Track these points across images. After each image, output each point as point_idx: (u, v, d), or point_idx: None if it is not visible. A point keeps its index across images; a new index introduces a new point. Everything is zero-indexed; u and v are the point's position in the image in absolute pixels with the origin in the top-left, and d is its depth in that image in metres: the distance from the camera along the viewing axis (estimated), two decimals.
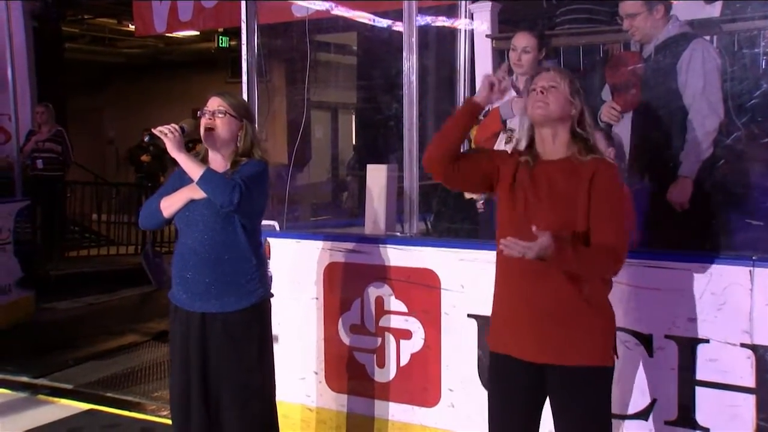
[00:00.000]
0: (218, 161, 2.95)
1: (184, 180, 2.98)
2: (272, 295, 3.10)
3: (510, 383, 2.54)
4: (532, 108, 2.50)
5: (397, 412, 3.57)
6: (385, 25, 5.71)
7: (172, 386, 3.05)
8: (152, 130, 2.84)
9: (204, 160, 2.99)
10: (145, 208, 3.05)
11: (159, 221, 3.02)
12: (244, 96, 4.11)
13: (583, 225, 2.41)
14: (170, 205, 2.95)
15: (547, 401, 2.54)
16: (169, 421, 4.30)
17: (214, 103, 2.93)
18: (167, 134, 2.82)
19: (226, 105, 2.93)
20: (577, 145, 2.49)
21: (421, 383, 3.50)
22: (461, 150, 2.63)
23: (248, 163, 2.94)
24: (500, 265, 2.57)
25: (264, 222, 3.84)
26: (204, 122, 2.92)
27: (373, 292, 3.61)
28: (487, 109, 4.20)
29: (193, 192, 2.91)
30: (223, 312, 2.92)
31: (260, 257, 3.05)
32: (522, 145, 2.58)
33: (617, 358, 2.57)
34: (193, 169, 2.85)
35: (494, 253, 2.62)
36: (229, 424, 2.94)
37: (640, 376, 3.00)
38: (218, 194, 2.81)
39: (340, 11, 5.60)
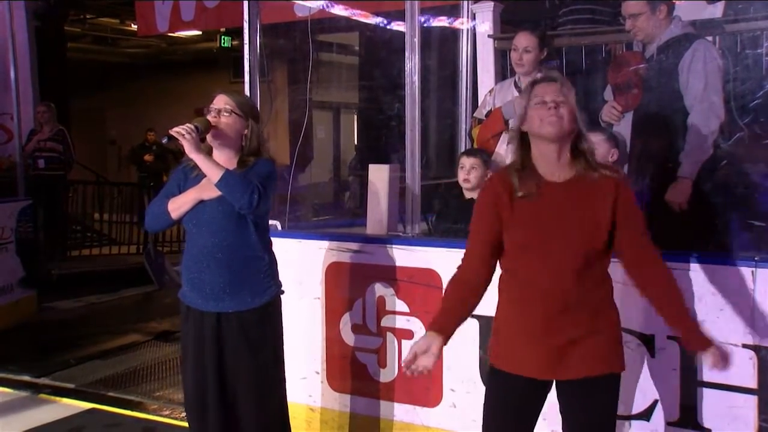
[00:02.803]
0: (223, 160, 2.94)
1: (187, 179, 2.97)
2: (283, 292, 3.10)
3: (517, 401, 2.47)
4: (542, 124, 2.31)
5: (398, 412, 3.58)
6: (387, 25, 5.71)
7: (186, 387, 3.02)
8: (170, 131, 2.82)
9: None
10: (151, 210, 3.00)
11: (167, 223, 2.99)
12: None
13: (600, 243, 2.35)
14: (179, 206, 2.92)
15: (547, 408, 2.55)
16: (171, 421, 4.35)
17: (220, 101, 2.93)
18: (185, 135, 2.79)
19: (233, 103, 2.92)
20: (581, 162, 2.38)
21: (423, 383, 3.50)
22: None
23: (259, 163, 2.94)
24: (515, 288, 2.46)
25: None
26: (209, 119, 2.91)
27: (375, 292, 3.61)
28: (489, 108, 4.22)
29: (202, 192, 2.90)
30: (238, 311, 2.92)
31: (271, 254, 3.06)
32: (513, 165, 2.42)
33: None
34: (211, 170, 2.82)
35: None
36: (247, 422, 2.94)
37: (642, 376, 3.00)
38: (238, 196, 2.80)
39: (343, 11, 5.60)
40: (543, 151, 2.37)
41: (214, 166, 2.83)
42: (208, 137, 2.91)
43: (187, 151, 2.82)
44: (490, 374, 2.56)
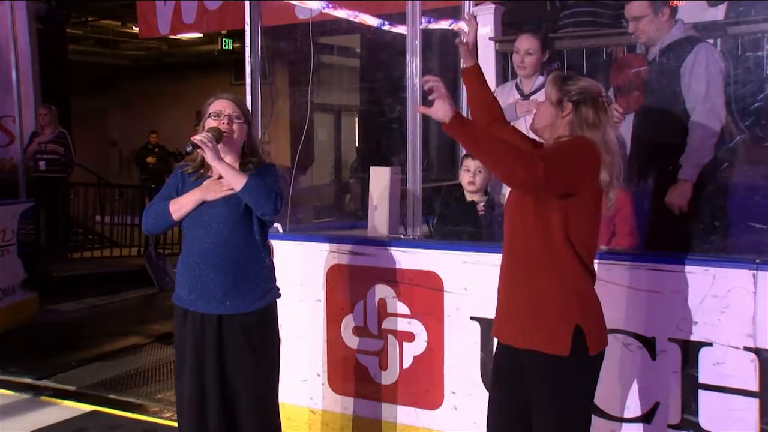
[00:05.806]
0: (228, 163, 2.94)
1: (186, 183, 2.97)
2: (280, 295, 3.11)
3: (498, 365, 2.66)
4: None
5: (400, 414, 3.57)
6: (388, 28, 5.71)
7: (180, 392, 2.99)
8: (192, 139, 2.81)
9: (203, 164, 2.95)
10: (150, 212, 2.98)
11: (167, 224, 2.97)
12: (248, 98, 4.11)
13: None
14: (180, 207, 2.92)
15: None
16: (172, 423, 4.34)
17: (228, 107, 2.93)
18: (207, 144, 2.80)
19: (239, 110, 2.95)
20: None
21: (424, 386, 3.50)
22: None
23: (268, 168, 2.97)
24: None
25: None
26: (222, 126, 2.90)
27: (376, 294, 3.61)
28: None
29: (205, 194, 2.90)
30: (240, 313, 2.91)
31: (270, 257, 3.08)
32: None
33: (590, 354, 2.43)
34: (234, 178, 2.83)
35: (497, 255, 2.64)
36: (247, 426, 2.93)
37: (643, 379, 3.00)
38: (262, 202, 2.83)
39: (344, 13, 5.60)
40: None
41: (237, 174, 2.85)
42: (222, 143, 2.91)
43: (208, 160, 2.82)
44: None
